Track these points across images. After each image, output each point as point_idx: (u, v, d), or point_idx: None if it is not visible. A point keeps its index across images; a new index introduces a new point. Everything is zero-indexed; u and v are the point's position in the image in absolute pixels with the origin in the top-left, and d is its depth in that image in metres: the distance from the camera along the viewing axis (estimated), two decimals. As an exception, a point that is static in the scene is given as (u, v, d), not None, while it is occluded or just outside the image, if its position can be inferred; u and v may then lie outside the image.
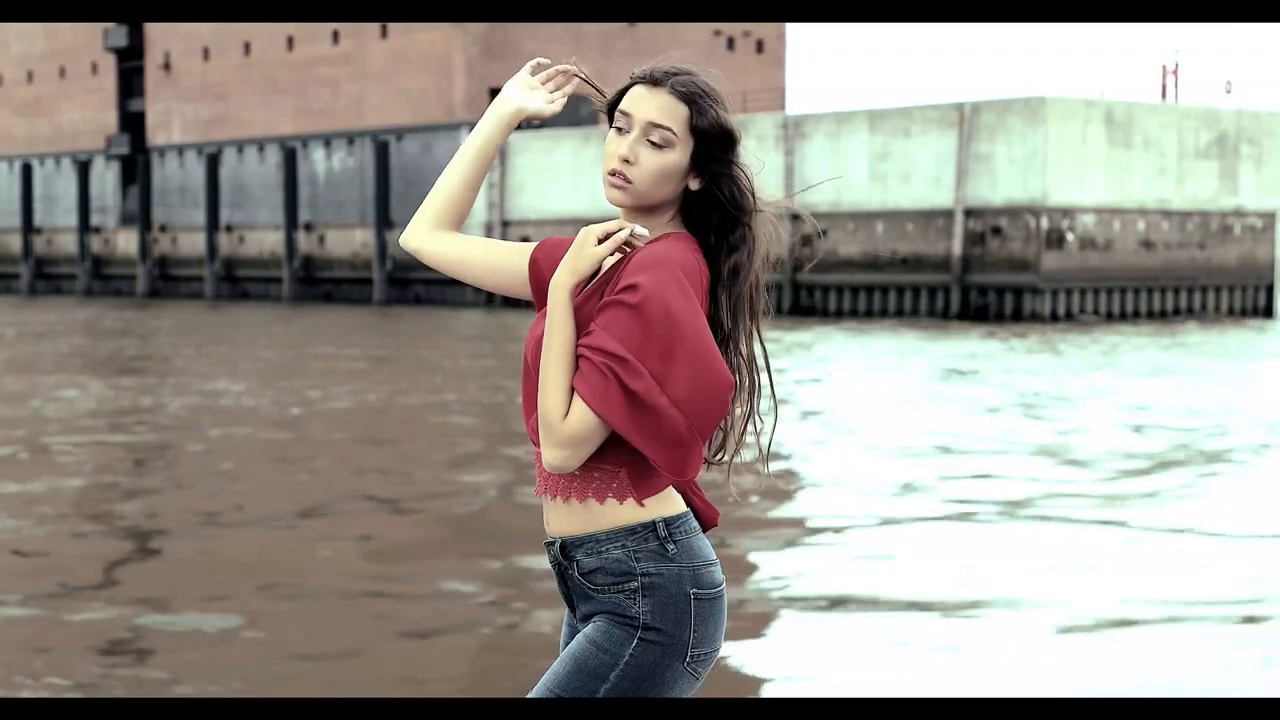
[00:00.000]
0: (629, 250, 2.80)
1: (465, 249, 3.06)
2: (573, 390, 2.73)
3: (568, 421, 2.71)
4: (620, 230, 2.79)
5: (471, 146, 3.02)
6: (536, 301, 3.01)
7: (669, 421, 2.69)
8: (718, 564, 2.88)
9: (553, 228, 53.29)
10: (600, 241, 2.78)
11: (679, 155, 2.80)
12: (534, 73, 3.04)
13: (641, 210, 2.86)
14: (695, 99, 2.80)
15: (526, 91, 3.01)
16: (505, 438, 15.77)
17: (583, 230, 2.81)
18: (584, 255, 2.77)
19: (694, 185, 2.84)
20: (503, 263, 3.05)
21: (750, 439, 2.96)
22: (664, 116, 2.79)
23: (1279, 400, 19.61)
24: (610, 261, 2.82)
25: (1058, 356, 27.85)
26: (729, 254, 2.85)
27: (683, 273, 2.74)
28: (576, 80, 3.01)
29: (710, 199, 2.85)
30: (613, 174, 2.81)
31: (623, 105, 2.84)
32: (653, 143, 2.79)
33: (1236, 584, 8.72)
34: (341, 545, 9.93)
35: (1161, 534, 10.38)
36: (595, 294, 2.81)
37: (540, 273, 3.00)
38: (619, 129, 2.83)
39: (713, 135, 2.80)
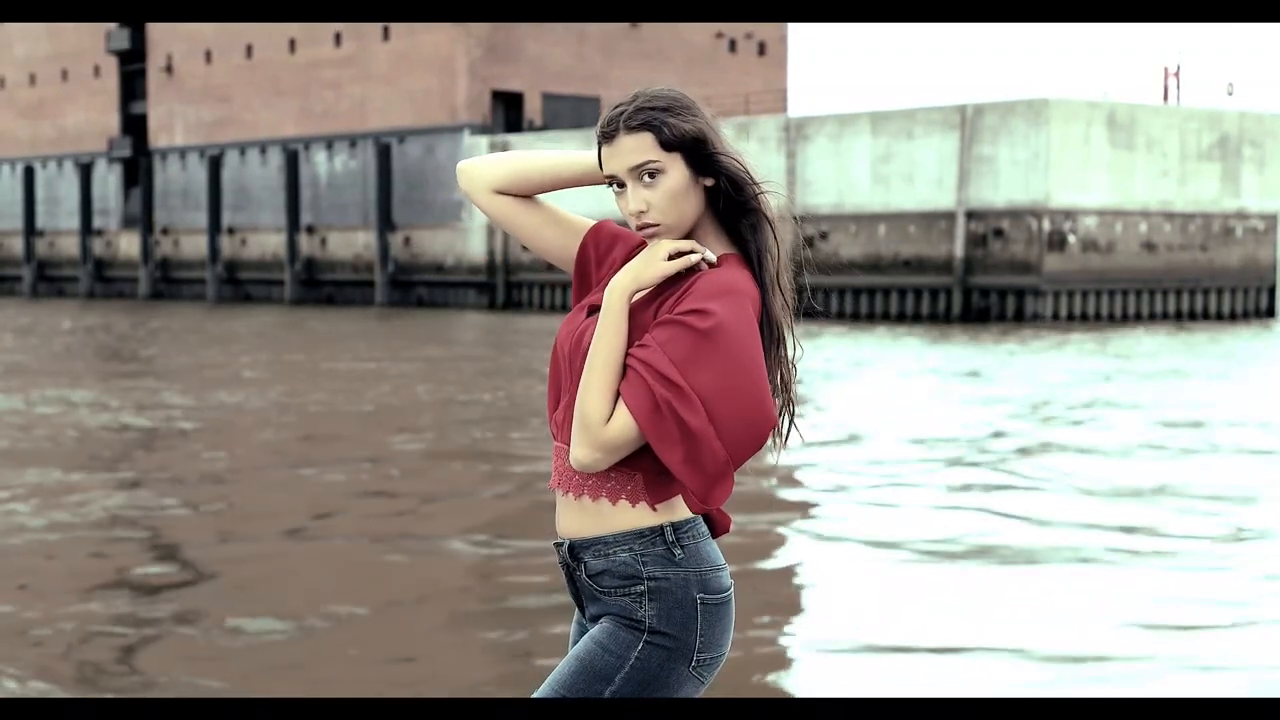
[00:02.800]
0: (696, 270, 2.83)
1: (522, 214, 3.08)
2: (618, 396, 2.74)
3: (610, 427, 2.73)
4: (693, 252, 2.82)
5: (580, 160, 3.03)
6: (575, 286, 3.03)
7: (710, 453, 2.72)
8: (726, 569, 2.89)
9: (555, 230, 53.24)
10: (671, 257, 2.81)
11: (677, 172, 2.82)
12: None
13: (686, 237, 2.89)
14: (650, 124, 2.81)
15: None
16: (509, 438, 15.79)
17: (654, 242, 2.84)
18: (652, 266, 2.80)
19: (709, 183, 2.86)
20: (554, 238, 3.08)
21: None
22: (637, 155, 2.81)
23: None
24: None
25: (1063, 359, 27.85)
26: (752, 238, 2.87)
27: (750, 305, 2.77)
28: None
29: (721, 192, 2.87)
30: (640, 229, 2.85)
31: (605, 172, 2.87)
32: (648, 180, 2.81)
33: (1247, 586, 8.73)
34: (348, 543, 9.94)
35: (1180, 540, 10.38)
36: (649, 303, 2.83)
37: (585, 258, 3.03)
38: (616, 189, 2.86)
39: (685, 142, 2.82)
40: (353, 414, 18.37)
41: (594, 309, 2.90)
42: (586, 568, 2.86)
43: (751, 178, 2.86)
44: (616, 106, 2.85)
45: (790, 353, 2.93)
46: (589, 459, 2.74)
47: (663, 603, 2.81)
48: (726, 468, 2.74)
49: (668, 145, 2.81)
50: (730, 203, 2.86)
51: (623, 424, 2.72)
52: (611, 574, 2.83)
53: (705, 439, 2.70)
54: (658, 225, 2.83)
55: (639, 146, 2.81)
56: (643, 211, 2.83)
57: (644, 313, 2.81)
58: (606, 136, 2.84)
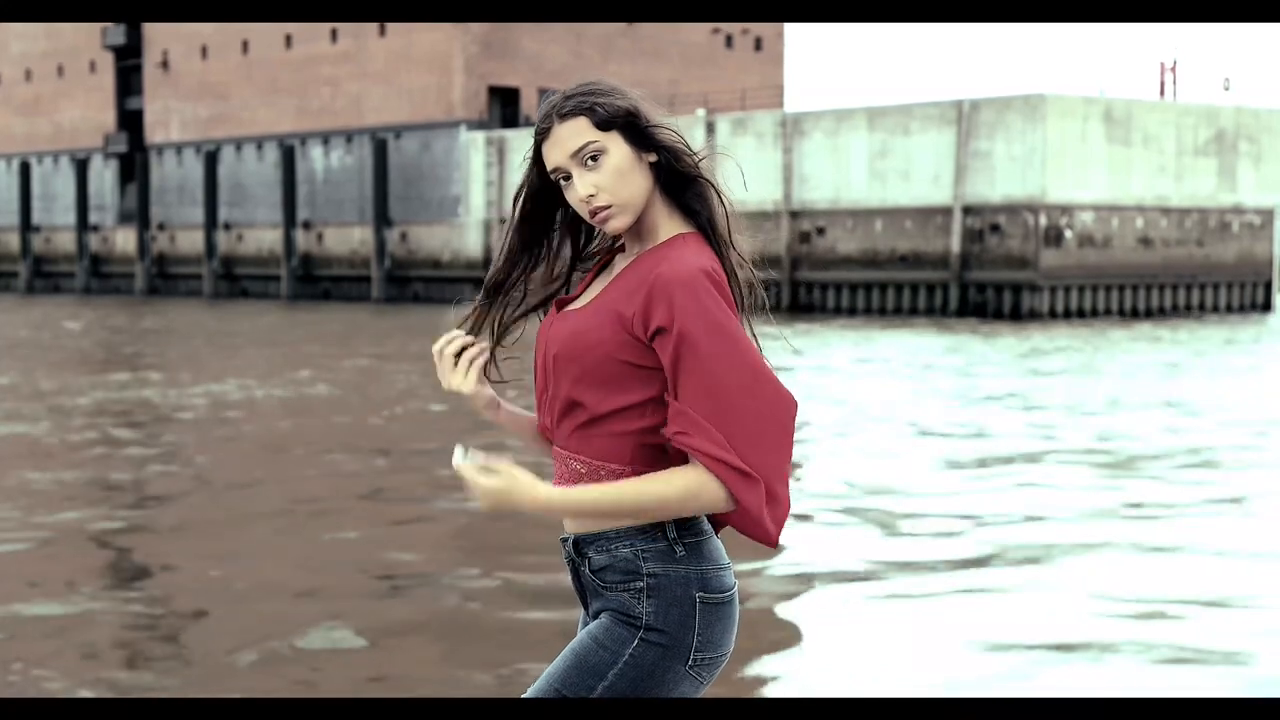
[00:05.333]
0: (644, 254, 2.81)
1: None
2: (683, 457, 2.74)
3: (715, 489, 2.71)
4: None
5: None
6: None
7: (764, 501, 2.74)
8: (729, 568, 2.86)
9: (551, 226, 53.30)
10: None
11: (618, 150, 2.78)
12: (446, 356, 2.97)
13: (640, 218, 2.84)
14: (581, 109, 2.79)
15: (448, 375, 2.94)
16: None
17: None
18: (514, 490, 2.74)
19: (652, 159, 2.82)
20: None
21: None
22: (577, 139, 2.78)
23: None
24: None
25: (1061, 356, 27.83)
26: (700, 206, 2.83)
27: (710, 279, 2.72)
28: (480, 357, 2.94)
29: (662, 170, 2.84)
30: (594, 214, 2.80)
31: (548, 168, 2.83)
32: (590, 164, 2.78)
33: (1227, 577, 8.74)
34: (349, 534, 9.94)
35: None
36: (612, 291, 2.79)
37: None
38: (563, 181, 2.83)
39: (619, 119, 2.79)
40: (350, 408, 18.37)
41: (562, 305, 2.90)
42: (590, 563, 2.84)
43: (689, 147, 2.84)
44: (545, 105, 2.83)
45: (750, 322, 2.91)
46: (752, 499, 2.72)
47: (661, 600, 2.78)
48: (776, 493, 2.76)
49: (603, 125, 2.77)
50: (674, 176, 2.83)
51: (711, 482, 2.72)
52: (613, 569, 2.81)
53: (762, 502, 2.73)
54: (609, 207, 2.78)
55: (576, 131, 2.78)
56: (592, 195, 2.78)
57: (610, 304, 2.77)
58: (543, 133, 2.81)
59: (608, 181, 2.78)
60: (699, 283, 2.70)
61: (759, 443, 2.70)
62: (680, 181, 2.83)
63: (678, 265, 2.73)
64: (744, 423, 2.70)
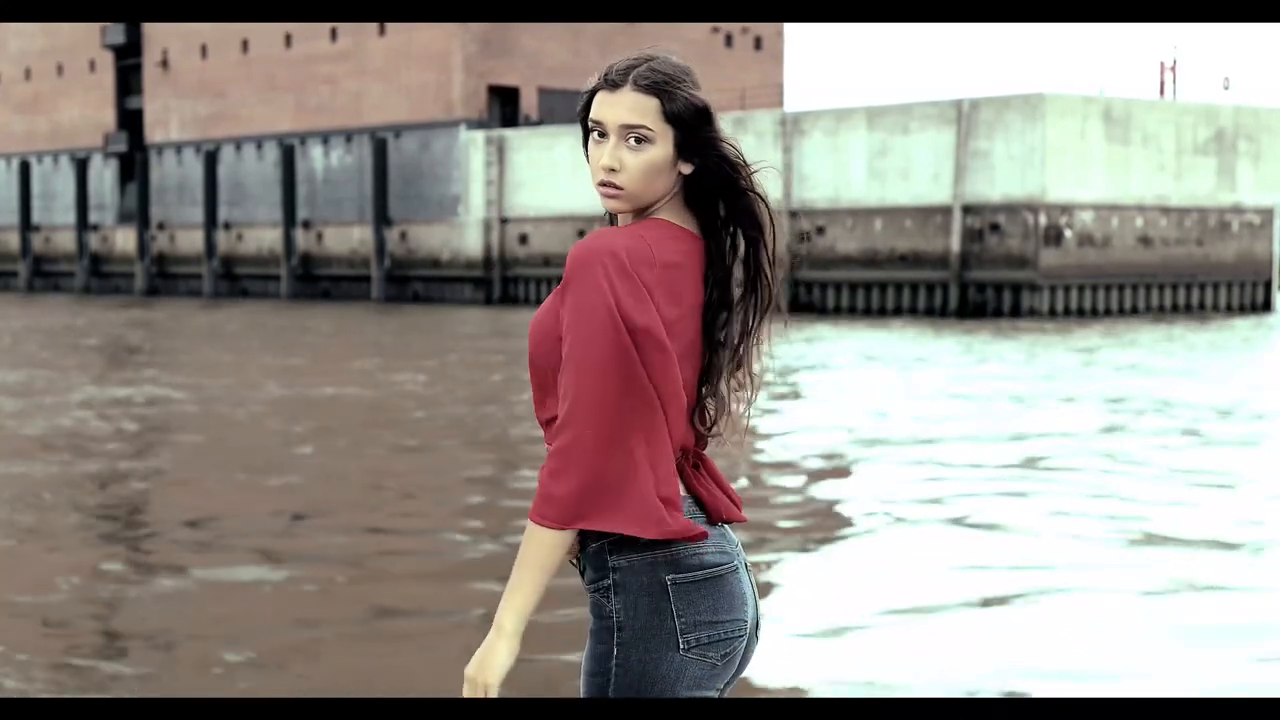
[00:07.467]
0: None
1: None
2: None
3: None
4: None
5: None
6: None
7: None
8: (711, 546, 2.70)
9: (551, 225, 53.33)
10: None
11: (661, 148, 2.71)
12: None
13: (641, 213, 2.79)
14: (661, 87, 2.70)
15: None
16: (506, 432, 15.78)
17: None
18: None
19: (685, 170, 2.74)
20: None
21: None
22: (635, 115, 2.70)
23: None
24: None
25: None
26: (742, 228, 2.75)
27: (615, 262, 2.62)
28: None
29: (708, 178, 2.76)
30: (603, 185, 2.73)
31: (592, 114, 2.75)
32: (633, 144, 2.71)
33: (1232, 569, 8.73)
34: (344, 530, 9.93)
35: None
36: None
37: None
38: (596, 135, 2.75)
39: (689, 118, 2.71)
40: (354, 405, 18.36)
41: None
42: (580, 563, 2.75)
43: (745, 161, 2.76)
44: (630, 59, 2.74)
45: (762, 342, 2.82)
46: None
47: (628, 593, 2.66)
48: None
49: (668, 117, 2.70)
50: (714, 188, 2.75)
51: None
52: (590, 567, 2.71)
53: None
54: (621, 191, 2.72)
55: (642, 108, 2.71)
56: (614, 170, 2.71)
57: (559, 288, 2.71)
58: (611, 84, 2.73)
59: (635, 168, 2.71)
60: (597, 259, 2.63)
61: (598, 421, 2.59)
62: (730, 195, 2.75)
63: (592, 241, 2.66)
64: (588, 397, 2.59)
